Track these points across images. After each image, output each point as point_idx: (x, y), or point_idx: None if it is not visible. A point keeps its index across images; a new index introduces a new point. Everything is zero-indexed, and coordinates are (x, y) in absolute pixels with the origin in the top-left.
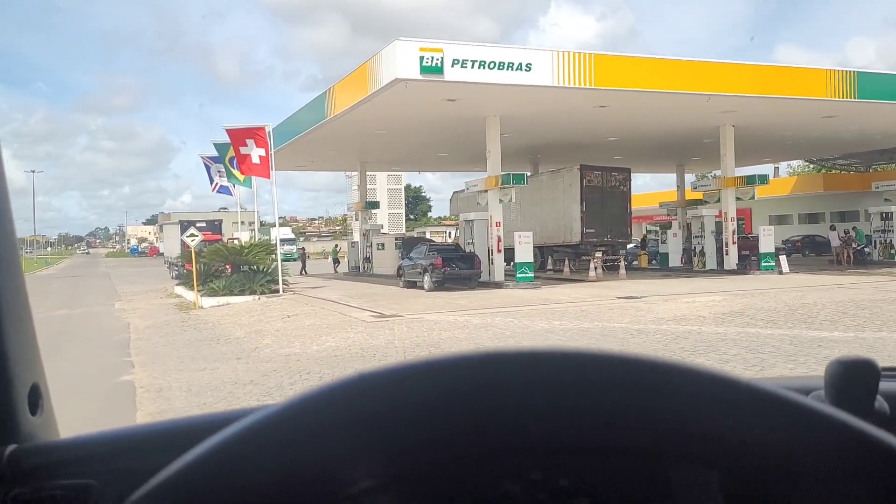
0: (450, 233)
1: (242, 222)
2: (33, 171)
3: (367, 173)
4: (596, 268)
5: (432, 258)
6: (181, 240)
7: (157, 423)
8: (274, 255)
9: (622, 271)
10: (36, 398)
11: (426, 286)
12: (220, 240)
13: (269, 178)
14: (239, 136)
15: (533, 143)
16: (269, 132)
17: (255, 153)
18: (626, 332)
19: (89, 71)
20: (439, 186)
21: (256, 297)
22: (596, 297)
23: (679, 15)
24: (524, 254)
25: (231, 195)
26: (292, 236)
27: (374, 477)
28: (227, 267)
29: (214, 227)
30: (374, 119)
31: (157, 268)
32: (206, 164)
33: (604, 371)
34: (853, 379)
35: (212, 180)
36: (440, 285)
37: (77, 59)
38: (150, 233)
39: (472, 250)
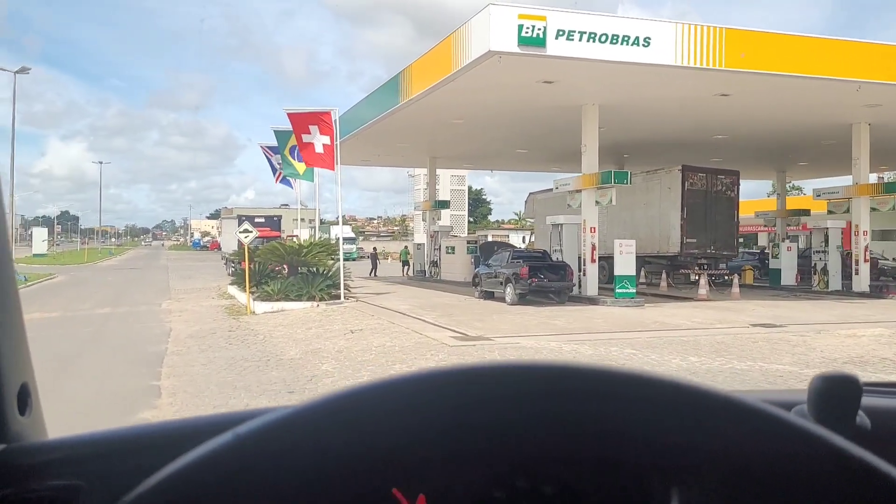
0: (524, 238)
1: (302, 219)
2: (100, 163)
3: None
4: (702, 283)
5: (517, 267)
6: (236, 236)
7: (147, 425)
8: (336, 256)
9: (735, 289)
10: (25, 398)
11: (508, 299)
12: (279, 237)
13: (333, 169)
14: (301, 121)
15: (622, 140)
16: (335, 119)
17: (319, 141)
18: (797, 377)
19: (162, 68)
20: (497, 189)
21: (315, 303)
22: (721, 323)
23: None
24: (625, 265)
25: (292, 188)
26: (353, 235)
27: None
28: (284, 268)
29: (273, 223)
30: (452, 105)
31: (215, 262)
32: (266, 155)
33: (583, 383)
34: (835, 394)
35: (275, 170)
36: (523, 298)
37: (150, 57)
38: (212, 227)
39: (560, 258)
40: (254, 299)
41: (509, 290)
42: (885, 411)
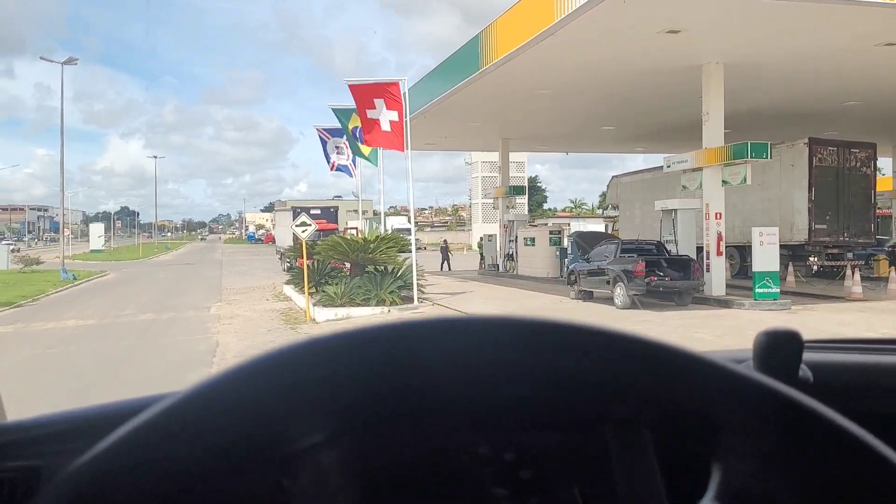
0: (607, 226)
1: (355, 210)
2: (155, 157)
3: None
4: (855, 279)
5: (629, 262)
6: (292, 229)
7: (109, 403)
8: (407, 252)
9: (893, 285)
10: None
11: (618, 301)
12: (336, 230)
13: (402, 149)
14: (366, 94)
15: (731, 111)
16: (403, 92)
17: (386, 117)
18: None
19: (215, 65)
20: (548, 177)
21: (385, 308)
22: None
23: None
24: (767, 259)
25: (351, 176)
26: (409, 226)
27: (317, 433)
28: (346, 266)
29: (330, 214)
30: (541, 70)
31: (270, 256)
32: (322, 139)
33: (539, 336)
34: (779, 348)
35: (328, 158)
36: (635, 301)
37: (203, 54)
38: (266, 220)
39: (675, 251)
40: (314, 304)
41: (619, 290)
42: (826, 365)
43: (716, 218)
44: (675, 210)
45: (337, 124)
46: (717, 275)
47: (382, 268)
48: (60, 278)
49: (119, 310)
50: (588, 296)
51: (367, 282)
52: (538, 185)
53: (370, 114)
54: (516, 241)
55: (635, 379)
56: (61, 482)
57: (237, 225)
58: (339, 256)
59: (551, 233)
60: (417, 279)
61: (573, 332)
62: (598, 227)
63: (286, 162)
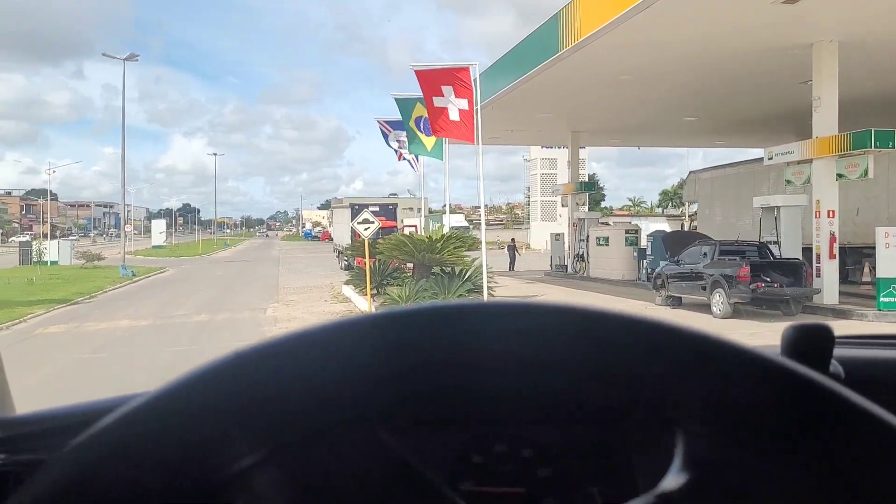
0: (683, 224)
1: (410, 208)
2: (215, 154)
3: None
4: None
5: (731, 265)
6: (351, 227)
7: (113, 398)
8: (474, 251)
9: None
10: None
11: (717, 310)
12: (395, 228)
13: (472, 140)
14: (433, 80)
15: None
16: (474, 78)
17: (455, 106)
18: None
19: (274, 65)
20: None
21: None
22: None
23: None
24: (894, 263)
25: (415, 170)
26: (466, 223)
27: (252, 453)
28: (408, 266)
29: (389, 212)
30: (627, 51)
31: (327, 254)
32: (383, 131)
33: (538, 320)
34: (809, 342)
35: (394, 149)
36: (737, 309)
37: (263, 54)
38: (323, 217)
39: (778, 253)
40: (376, 307)
41: (719, 297)
42: (858, 361)
43: (828, 216)
44: (778, 207)
45: (398, 117)
46: (829, 281)
47: (449, 269)
48: (119, 275)
49: (174, 309)
50: (677, 302)
51: (435, 284)
52: (595, 182)
53: (437, 102)
54: (587, 241)
55: (663, 370)
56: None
57: (294, 222)
58: (403, 257)
59: (627, 232)
60: (488, 281)
61: (589, 317)
62: (660, 226)
63: (342, 160)
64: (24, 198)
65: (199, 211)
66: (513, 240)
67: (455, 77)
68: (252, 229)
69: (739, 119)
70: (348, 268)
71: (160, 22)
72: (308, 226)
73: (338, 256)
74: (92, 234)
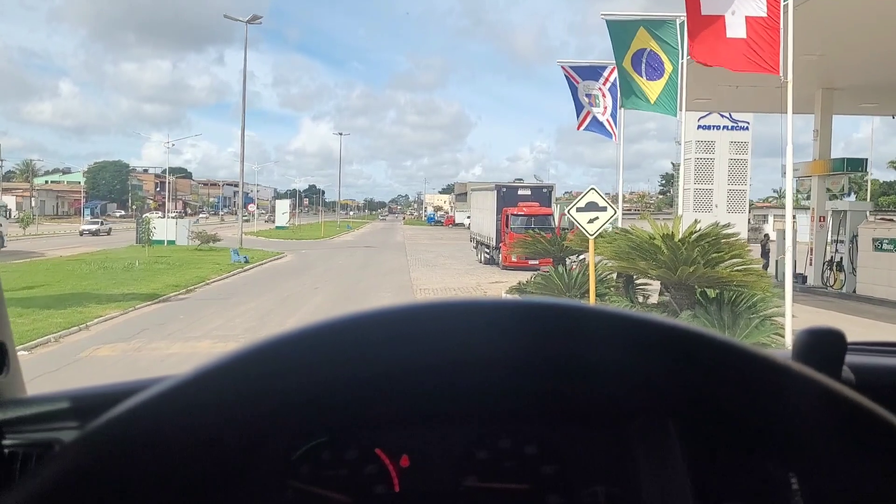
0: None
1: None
2: (340, 134)
3: (707, 138)
4: None
5: None
6: (568, 217)
7: (126, 382)
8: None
9: None
10: (2, 357)
11: None
12: (551, 216)
13: (773, 69)
14: None
15: None
16: None
17: (741, 13)
18: None
19: (400, 51)
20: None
21: None
22: None
23: None
24: None
25: (610, 136)
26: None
27: (311, 436)
28: (613, 277)
29: (542, 196)
30: None
31: (456, 242)
32: (570, 81)
33: (558, 321)
34: (821, 347)
35: (579, 110)
36: None
37: (389, 40)
38: (445, 201)
39: None
40: None
41: None
42: (869, 368)
43: None
44: None
45: (588, 62)
46: None
47: (717, 292)
48: (231, 261)
49: (280, 318)
50: None
51: (706, 320)
52: (864, 161)
53: (708, 6)
54: (854, 244)
55: (668, 370)
56: (61, 453)
57: (415, 206)
58: (655, 271)
59: None
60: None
61: (600, 318)
62: None
63: (463, 145)
64: (160, 175)
65: (323, 192)
66: (766, 236)
67: None
68: (374, 212)
69: None
70: (490, 262)
71: (295, 10)
72: (430, 210)
73: (476, 247)
74: (221, 213)
